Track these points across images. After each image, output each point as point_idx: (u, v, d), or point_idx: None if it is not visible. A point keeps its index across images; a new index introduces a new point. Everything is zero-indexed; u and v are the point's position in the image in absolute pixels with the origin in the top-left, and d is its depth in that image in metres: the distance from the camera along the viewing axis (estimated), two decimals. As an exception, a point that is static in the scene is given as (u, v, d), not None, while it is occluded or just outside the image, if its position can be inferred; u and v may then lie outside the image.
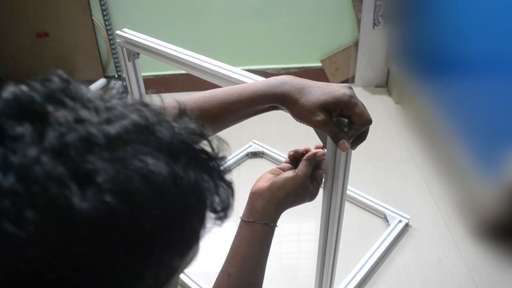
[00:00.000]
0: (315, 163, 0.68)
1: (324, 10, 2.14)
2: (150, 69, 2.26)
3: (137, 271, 0.28)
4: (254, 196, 0.65)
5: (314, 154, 0.67)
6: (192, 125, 0.33)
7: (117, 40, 1.04)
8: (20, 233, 0.23)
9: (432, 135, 1.78)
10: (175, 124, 0.31)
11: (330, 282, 0.89)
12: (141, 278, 0.28)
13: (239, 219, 0.65)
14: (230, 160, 1.71)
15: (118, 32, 1.03)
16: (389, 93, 2.23)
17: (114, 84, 2.24)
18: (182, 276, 1.24)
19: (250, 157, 1.78)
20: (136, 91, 1.11)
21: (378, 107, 2.11)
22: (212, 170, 0.32)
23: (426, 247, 1.35)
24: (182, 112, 0.33)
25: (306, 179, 0.65)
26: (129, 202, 0.26)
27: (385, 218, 1.45)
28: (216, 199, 0.32)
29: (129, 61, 1.05)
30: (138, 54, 1.04)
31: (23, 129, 0.25)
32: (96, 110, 0.28)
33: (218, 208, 0.33)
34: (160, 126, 0.30)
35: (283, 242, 1.39)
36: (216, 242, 1.40)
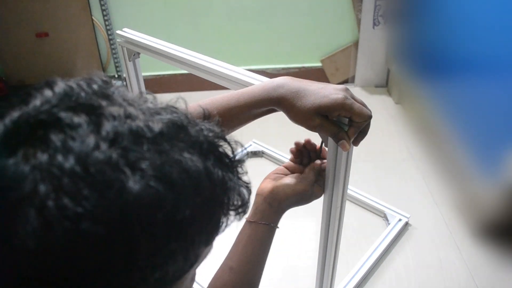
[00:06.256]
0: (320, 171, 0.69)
1: (324, 10, 2.14)
2: (150, 69, 2.26)
3: (172, 251, 0.31)
4: (257, 197, 0.68)
5: (320, 165, 0.69)
6: (217, 129, 0.37)
7: (118, 40, 1.04)
8: (77, 208, 0.26)
9: (432, 135, 1.78)
10: (203, 126, 0.36)
11: (331, 281, 0.89)
12: (174, 260, 0.32)
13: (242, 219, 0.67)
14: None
15: (118, 31, 1.03)
16: (389, 93, 2.23)
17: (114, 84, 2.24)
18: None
19: (250, 157, 1.78)
20: (137, 91, 1.11)
21: (378, 107, 2.11)
22: (234, 170, 0.37)
23: (426, 247, 1.35)
24: (207, 115, 0.39)
25: (311, 187, 0.67)
26: (171, 188, 0.29)
27: (385, 217, 1.45)
28: (237, 196, 0.36)
29: (130, 60, 1.05)
30: (139, 53, 1.04)
31: (80, 119, 0.29)
32: (141, 109, 0.32)
33: (238, 204, 0.37)
34: (192, 127, 0.34)
35: (283, 242, 1.39)
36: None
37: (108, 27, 2.15)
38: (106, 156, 0.27)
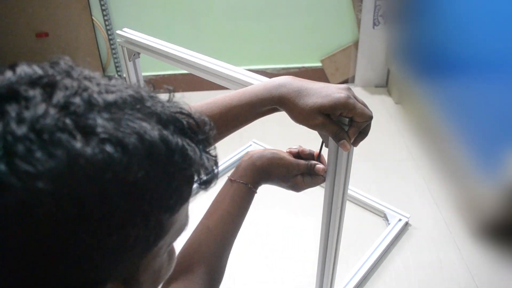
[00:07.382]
0: (310, 170, 0.70)
1: (324, 10, 2.14)
2: (150, 69, 2.27)
3: (129, 215, 0.31)
4: (245, 156, 0.70)
5: (314, 166, 0.70)
6: (181, 105, 0.38)
7: (118, 40, 1.04)
8: (29, 168, 0.27)
9: (432, 135, 1.78)
10: (166, 103, 0.37)
11: (331, 281, 0.89)
12: (132, 224, 0.32)
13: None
14: (231, 159, 1.72)
15: (118, 31, 1.03)
16: (389, 93, 2.23)
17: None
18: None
19: (250, 157, 1.78)
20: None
21: (378, 107, 2.11)
22: (197, 142, 0.37)
23: (426, 247, 1.35)
24: (172, 94, 0.39)
25: (296, 165, 0.69)
26: (125, 152, 0.30)
27: (385, 216, 1.45)
28: (201, 167, 0.36)
29: (130, 60, 1.05)
30: (139, 53, 1.04)
31: (36, 92, 0.30)
32: (98, 84, 0.33)
33: (203, 175, 0.37)
34: (152, 101, 0.35)
35: (284, 242, 1.39)
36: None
37: (108, 27, 2.15)
38: (54, 120, 0.29)
